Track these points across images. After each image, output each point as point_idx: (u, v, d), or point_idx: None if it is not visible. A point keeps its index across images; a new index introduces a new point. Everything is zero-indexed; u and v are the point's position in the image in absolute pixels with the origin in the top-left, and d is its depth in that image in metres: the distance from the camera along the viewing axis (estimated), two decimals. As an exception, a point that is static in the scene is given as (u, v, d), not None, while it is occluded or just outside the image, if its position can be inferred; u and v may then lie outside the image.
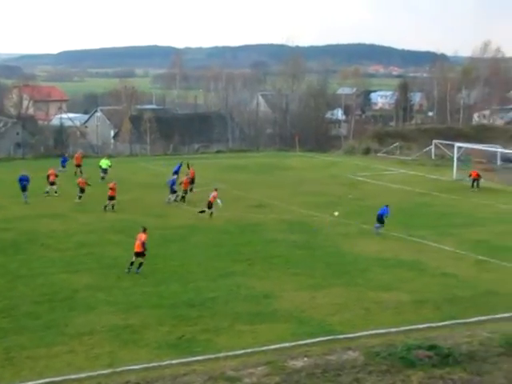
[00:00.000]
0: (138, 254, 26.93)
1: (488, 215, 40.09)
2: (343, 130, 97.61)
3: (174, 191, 42.08)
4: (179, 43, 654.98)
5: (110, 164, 50.17)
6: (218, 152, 72.90)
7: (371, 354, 16.91)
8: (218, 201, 37.87)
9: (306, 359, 16.89)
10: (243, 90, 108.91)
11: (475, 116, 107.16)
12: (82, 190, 41.30)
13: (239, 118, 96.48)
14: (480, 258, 30.16)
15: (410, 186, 49.95)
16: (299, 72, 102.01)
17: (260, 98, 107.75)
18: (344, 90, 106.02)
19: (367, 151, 72.55)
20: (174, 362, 18.02)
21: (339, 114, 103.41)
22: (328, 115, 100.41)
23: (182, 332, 20.49)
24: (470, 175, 49.77)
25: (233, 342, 19.64)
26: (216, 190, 38.40)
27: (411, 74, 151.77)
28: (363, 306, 23.08)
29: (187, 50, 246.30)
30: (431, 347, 16.98)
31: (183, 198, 41.93)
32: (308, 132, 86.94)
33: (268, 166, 59.69)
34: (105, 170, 49.02)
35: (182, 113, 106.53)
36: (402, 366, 15.83)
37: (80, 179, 42.41)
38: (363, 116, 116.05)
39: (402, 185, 50.73)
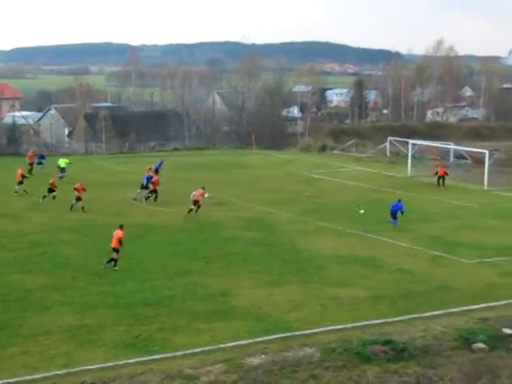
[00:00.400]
0: (115, 250, 27.33)
1: (441, 211, 40.70)
2: (299, 128, 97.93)
3: (144, 187, 41.75)
4: (134, 40, 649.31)
5: (68, 161, 49.58)
6: (174, 150, 72.60)
7: (327, 350, 17.03)
8: (206, 195, 38.34)
9: (263, 356, 16.94)
10: (199, 87, 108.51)
11: (429, 113, 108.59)
12: (51, 191, 40.54)
13: (195, 115, 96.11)
14: (434, 253, 30.60)
15: (365, 183, 50.41)
16: (255, 70, 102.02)
17: (216, 95, 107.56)
18: (300, 88, 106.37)
19: (323, 149, 72.99)
20: (130, 361, 17.92)
21: (295, 111, 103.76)
22: (284, 113, 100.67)
23: (138, 331, 20.39)
24: (437, 173, 50.35)
25: (190, 341, 19.60)
26: (203, 188, 38.46)
27: (366, 72, 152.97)
28: (320, 303, 23.23)
29: (142, 48, 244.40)
30: (387, 342, 17.18)
31: (156, 197, 41.34)
32: (264, 130, 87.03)
33: (225, 164, 59.66)
34: (63, 169, 48.35)
35: (137, 110, 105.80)
36: (358, 361, 15.98)
37: (53, 180, 41.63)
38: (319, 113, 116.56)
39: (358, 182, 51.17)
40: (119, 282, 25.55)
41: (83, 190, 39.00)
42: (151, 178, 42.29)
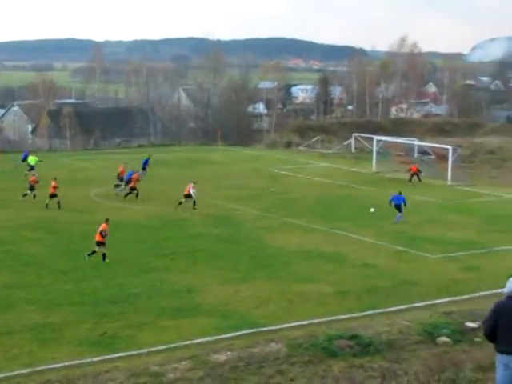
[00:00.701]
0: (98, 244, 27.63)
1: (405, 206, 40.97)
2: (265, 124, 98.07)
3: (127, 183, 41.64)
4: (98, 36, 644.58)
5: (38, 159, 48.98)
6: (139, 146, 72.20)
7: (294, 345, 17.08)
8: (192, 190, 38.78)
9: (229, 353, 16.92)
10: (164, 83, 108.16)
11: (393, 109, 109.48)
12: (32, 188, 40.04)
13: (161, 112, 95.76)
14: (398, 248, 30.86)
15: (330, 179, 50.67)
16: (220, 66, 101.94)
17: (182, 92, 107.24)
18: (265, 84, 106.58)
19: (289, 145, 73.21)
20: (95, 359, 17.78)
21: (261, 107, 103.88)
22: (250, 109, 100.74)
23: (104, 329, 20.24)
24: (410, 170, 50.75)
25: (156, 338, 19.52)
26: (195, 183, 39.13)
27: (331, 68, 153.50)
28: (286, 299, 23.29)
29: (107, 44, 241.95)
30: (352, 337, 17.29)
31: (137, 194, 41.05)
32: (230, 126, 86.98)
33: (191, 161, 59.52)
34: (32, 167, 47.52)
35: (102, 107, 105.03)
36: (324, 356, 16.05)
37: (33, 177, 41.03)
38: (284, 110, 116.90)
39: (323, 177, 51.41)
40: (84, 280, 25.35)
41: (56, 187, 38.79)
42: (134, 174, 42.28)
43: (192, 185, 38.81)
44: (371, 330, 18.20)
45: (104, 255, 27.65)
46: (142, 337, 19.66)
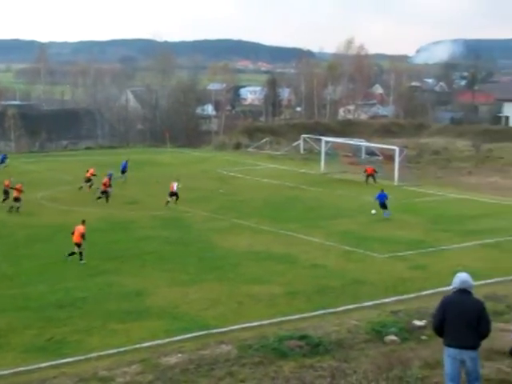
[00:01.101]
0: (77, 245, 28.08)
1: (353, 207, 41.43)
2: (214, 126, 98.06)
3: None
4: (43, 37, 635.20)
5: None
6: (87, 149, 71.46)
7: (244, 346, 17.04)
8: (175, 185, 40.37)
9: (179, 355, 16.80)
10: (112, 85, 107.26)
11: (341, 111, 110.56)
12: (6, 193, 39.25)
13: (108, 113, 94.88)
14: (347, 248, 31.10)
15: (279, 180, 50.85)
16: (168, 67, 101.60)
17: (129, 93, 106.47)
18: (214, 86, 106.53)
19: (237, 146, 73.30)
20: (42, 365, 17.43)
21: (209, 109, 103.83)
22: (198, 111, 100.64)
23: (50, 334, 19.89)
24: (366, 171, 51.15)
25: (105, 342, 19.26)
26: (178, 180, 40.64)
27: (279, 70, 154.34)
28: (236, 300, 23.26)
29: (52, 45, 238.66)
30: (302, 337, 17.33)
31: (107, 198, 40.96)
32: (178, 128, 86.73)
33: (138, 163, 58.95)
34: None
35: (48, 109, 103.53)
36: (275, 357, 16.04)
37: (6, 181, 40.24)
38: (233, 111, 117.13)
39: (272, 179, 51.57)
40: (30, 284, 24.90)
41: (21, 191, 38.25)
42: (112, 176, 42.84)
43: (176, 183, 40.21)
44: (321, 330, 18.29)
45: (81, 255, 28.03)
46: (90, 341, 19.38)
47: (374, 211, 37.77)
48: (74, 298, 23.24)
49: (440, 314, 10.97)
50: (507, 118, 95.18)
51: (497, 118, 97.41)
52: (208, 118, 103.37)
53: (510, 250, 30.98)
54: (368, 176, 50.51)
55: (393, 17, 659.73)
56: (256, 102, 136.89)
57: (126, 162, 48.69)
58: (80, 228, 28.39)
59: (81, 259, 27.91)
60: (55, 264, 27.77)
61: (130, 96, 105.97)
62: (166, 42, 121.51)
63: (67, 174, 48.19)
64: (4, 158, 51.98)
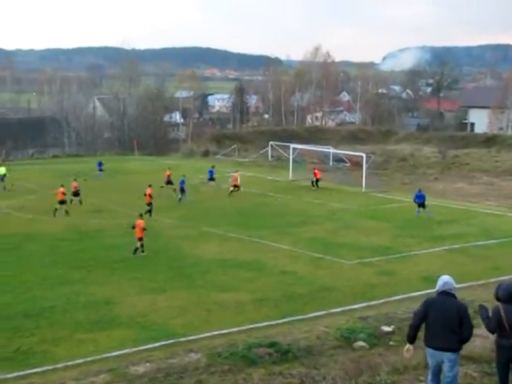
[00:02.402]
0: (140, 239, 30.34)
1: (321, 213, 41.64)
2: (182, 133, 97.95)
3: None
4: (9, 45, 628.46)
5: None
6: (54, 157, 70.93)
7: (213, 354, 16.99)
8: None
9: (148, 364, 16.70)
10: (79, 93, 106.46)
11: (308, 118, 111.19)
12: None
13: (75, 122, 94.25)
14: (316, 255, 31.20)
15: (248, 187, 50.85)
16: (136, 75, 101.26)
17: (97, 101, 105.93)
18: (181, 94, 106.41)
19: (206, 154, 73.31)
20: (9, 375, 17.22)
21: (177, 117, 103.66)
22: (166, 118, 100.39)
23: (18, 344, 19.65)
24: (314, 175, 51.49)
25: (73, 352, 19.09)
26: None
27: (247, 78, 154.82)
28: (204, 308, 23.20)
29: (18, 52, 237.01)
30: (271, 344, 17.33)
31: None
32: (146, 135, 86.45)
33: (107, 171, 58.62)
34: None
35: (14, 117, 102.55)
36: (244, 364, 16.02)
37: None
38: (201, 119, 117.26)
39: (241, 186, 51.49)
40: (-4, 295, 24.57)
41: None
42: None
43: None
44: (290, 337, 18.31)
45: (137, 248, 30.21)
46: (57, 351, 19.19)
47: (428, 213, 39.90)
48: (42, 308, 23.00)
49: (421, 313, 11.05)
50: (472, 124, 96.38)
51: (462, 125, 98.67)
52: (176, 125, 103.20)
53: (477, 255, 31.39)
54: (317, 180, 50.86)
55: (359, 24, 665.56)
56: (224, 110, 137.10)
57: (213, 167, 51.36)
58: (140, 222, 30.58)
59: (142, 251, 30.21)
60: (22, 273, 27.44)
61: (98, 104, 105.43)
62: (133, 50, 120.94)
63: (33, 182, 47.65)
64: None
